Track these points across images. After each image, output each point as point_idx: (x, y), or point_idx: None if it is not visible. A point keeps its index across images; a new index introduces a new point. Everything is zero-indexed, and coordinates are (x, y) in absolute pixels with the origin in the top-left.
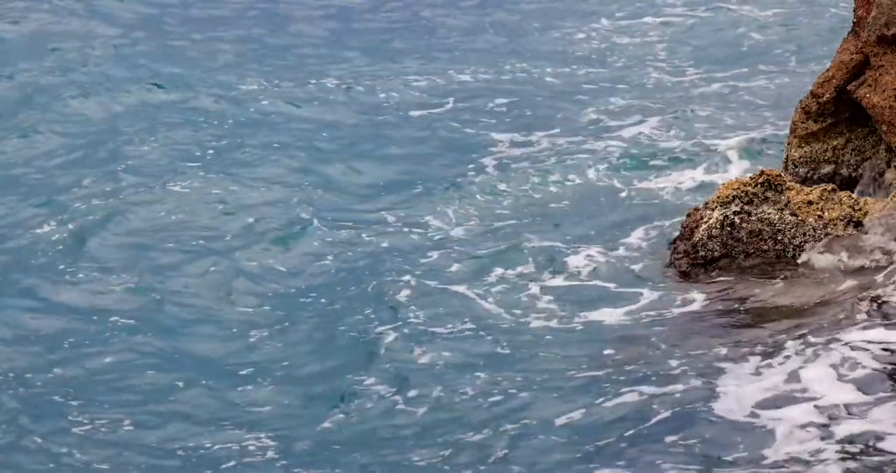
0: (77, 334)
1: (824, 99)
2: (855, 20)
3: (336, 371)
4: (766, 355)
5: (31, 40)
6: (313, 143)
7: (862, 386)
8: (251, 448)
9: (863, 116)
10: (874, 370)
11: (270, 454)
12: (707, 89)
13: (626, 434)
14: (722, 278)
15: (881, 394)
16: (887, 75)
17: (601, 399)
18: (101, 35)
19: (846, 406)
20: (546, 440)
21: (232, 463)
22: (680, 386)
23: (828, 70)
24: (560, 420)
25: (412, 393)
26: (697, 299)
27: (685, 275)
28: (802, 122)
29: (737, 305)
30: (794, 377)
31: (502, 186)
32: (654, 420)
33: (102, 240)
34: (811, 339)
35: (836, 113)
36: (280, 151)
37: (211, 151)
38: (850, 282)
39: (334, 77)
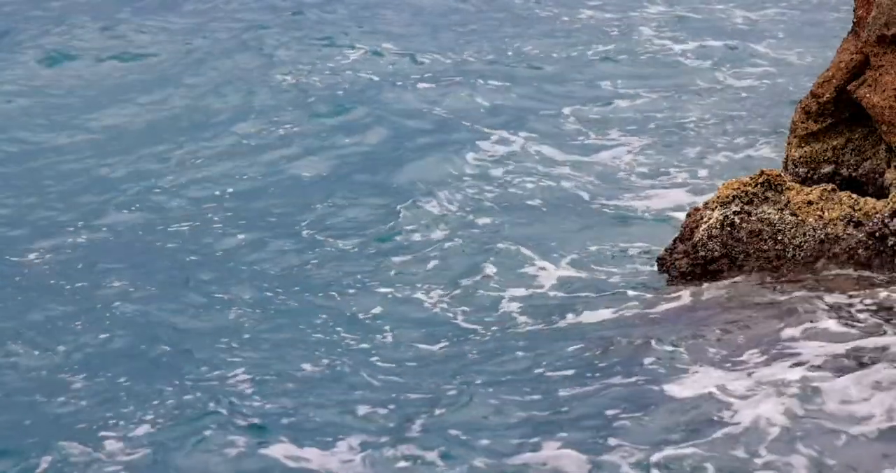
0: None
1: (824, 99)
2: (855, 20)
3: (307, 384)
4: (748, 353)
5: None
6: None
7: (834, 388)
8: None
9: (863, 116)
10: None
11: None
12: (704, 89)
13: (592, 425)
14: (720, 278)
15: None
16: (887, 75)
17: (581, 392)
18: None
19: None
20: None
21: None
22: (659, 381)
23: (828, 70)
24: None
25: (387, 395)
26: (693, 299)
27: (684, 276)
28: (802, 122)
29: (731, 305)
30: (768, 373)
31: (487, 189)
32: (614, 413)
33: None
34: (797, 341)
35: (836, 113)
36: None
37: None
38: (850, 287)
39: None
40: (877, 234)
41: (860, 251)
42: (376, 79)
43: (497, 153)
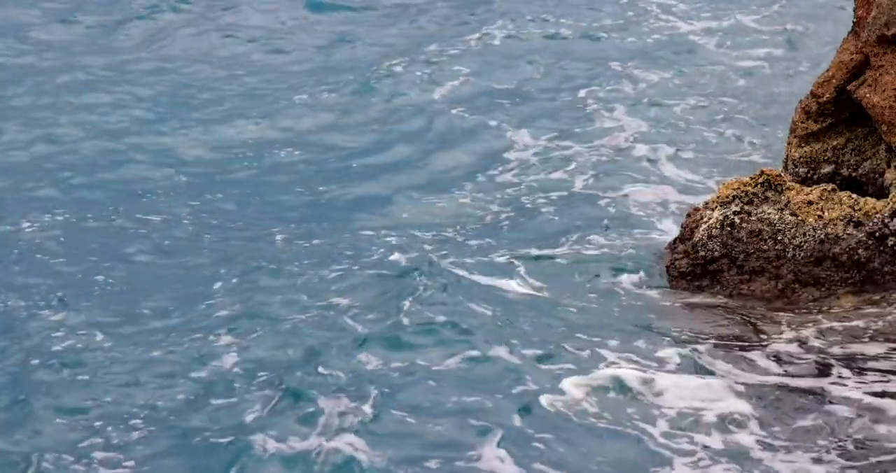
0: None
1: (824, 99)
2: (855, 20)
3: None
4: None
5: None
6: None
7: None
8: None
9: (863, 116)
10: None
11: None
12: (709, 87)
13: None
14: (720, 280)
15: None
16: (887, 75)
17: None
18: None
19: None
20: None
21: None
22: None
23: (828, 70)
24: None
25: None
26: (685, 298)
27: (684, 276)
28: (802, 122)
29: (722, 306)
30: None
31: (494, 184)
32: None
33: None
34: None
35: (836, 113)
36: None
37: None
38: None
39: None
40: (877, 234)
41: (860, 251)
42: (378, 59)
43: (503, 142)
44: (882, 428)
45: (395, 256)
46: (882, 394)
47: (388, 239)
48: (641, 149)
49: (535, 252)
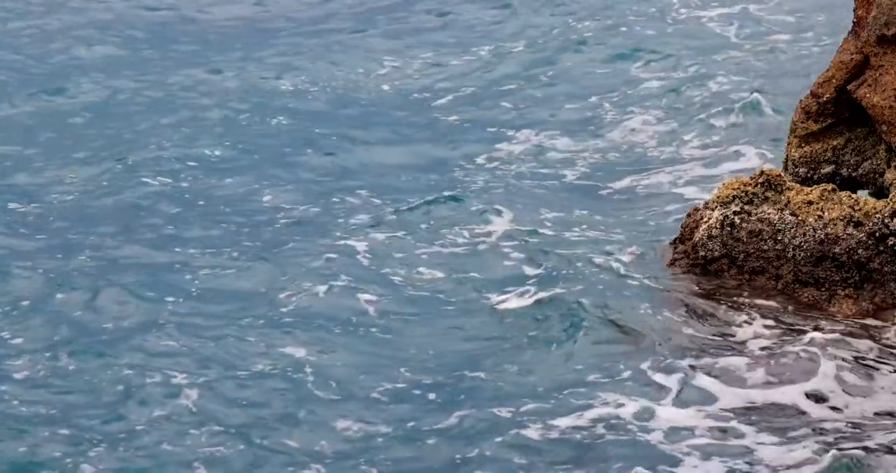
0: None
1: (824, 99)
2: (855, 20)
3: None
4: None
5: None
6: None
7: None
8: None
9: (863, 116)
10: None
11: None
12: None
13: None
14: (717, 279)
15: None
16: (887, 75)
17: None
18: None
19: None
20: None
21: None
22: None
23: (828, 70)
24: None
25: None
26: (685, 298)
27: (683, 275)
28: (802, 122)
29: (721, 306)
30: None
31: (498, 178)
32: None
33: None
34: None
35: (836, 113)
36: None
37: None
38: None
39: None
40: (877, 234)
41: (860, 251)
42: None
43: (516, 139)
44: (873, 434)
45: (379, 245)
46: (875, 400)
47: (379, 218)
48: (653, 144)
49: (530, 247)
